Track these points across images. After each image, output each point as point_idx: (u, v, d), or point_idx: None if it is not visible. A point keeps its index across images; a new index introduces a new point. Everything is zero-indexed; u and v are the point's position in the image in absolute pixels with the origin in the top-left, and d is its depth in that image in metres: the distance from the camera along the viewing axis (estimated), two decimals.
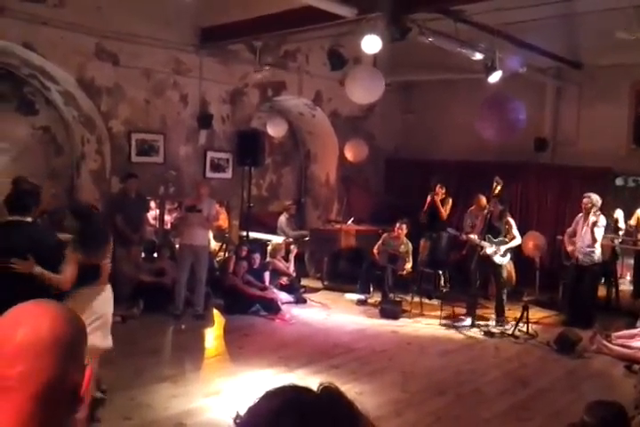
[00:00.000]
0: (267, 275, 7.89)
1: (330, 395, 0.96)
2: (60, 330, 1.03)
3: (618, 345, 6.23)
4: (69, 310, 1.09)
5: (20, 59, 7.01)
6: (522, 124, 7.16)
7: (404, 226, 8.32)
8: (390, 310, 7.56)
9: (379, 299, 8.07)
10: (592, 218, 7.01)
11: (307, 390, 0.97)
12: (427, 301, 8.14)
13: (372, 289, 8.36)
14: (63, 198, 7.97)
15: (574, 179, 8.84)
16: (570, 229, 7.43)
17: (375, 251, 8.37)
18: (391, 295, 8.07)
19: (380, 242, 8.42)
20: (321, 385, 0.97)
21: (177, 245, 7.77)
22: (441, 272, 8.45)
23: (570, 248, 7.34)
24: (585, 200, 7.12)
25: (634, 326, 6.64)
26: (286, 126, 9.75)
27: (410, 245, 8.42)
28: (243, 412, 0.96)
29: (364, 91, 6.84)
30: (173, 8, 7.32)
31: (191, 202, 7.06)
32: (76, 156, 7.96)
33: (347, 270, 9.31)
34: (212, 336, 6.78)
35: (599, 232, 7.06)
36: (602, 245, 7.36)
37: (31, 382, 0.99)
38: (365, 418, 0.96)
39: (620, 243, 8.36)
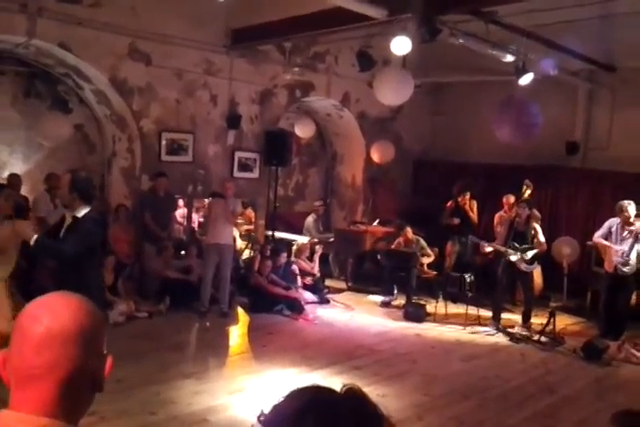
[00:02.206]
0: (295, 269, 7.95)
1: (353, 396, 0.97)
2: (82, 320, 1.07)
3: None
4: (90, 302, 1.13)
5: (56, 58, 7.16)
6: (537, 127, 7.01)
7: (408, 228, 8.37)
8: (414, 313, 7.52)
9: (403, 301, 8.04)
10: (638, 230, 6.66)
11: (330, 391, 0.98)
12: (452, 304, 8.09)
13: (396, 291, 8.33)
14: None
15: (606, 184, 8.67)
16: (601, 233, 6.99)
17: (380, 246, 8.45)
18: (415, 298, 8.04)
19: (393, 246, 8.45)
20: (344, 386, 0.98)
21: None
22: (467, 276, 8.37)
23: (606, 243, 6.85)
24: (624, 208, 6.65)
25: None
26: (314, 127, 9.78)
27: (421, 241, 8.44)
28: (267, 410, 0.97)
29: (393, 92, 6.81)
30: (206, 9, 7.40)
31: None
32: (108, 154, 8.10)
33: (371, 272, 9.29)
34: (237, 334, 6.84)
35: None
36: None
37: (57, 370, 1.03)
38: (388, 420, 0.97)
39: None
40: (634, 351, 6.15)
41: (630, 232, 6.68)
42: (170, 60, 7.68)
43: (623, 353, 6.20)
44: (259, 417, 0.97)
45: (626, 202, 6.73)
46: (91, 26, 6.86)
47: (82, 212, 3.95)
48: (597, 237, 6.96)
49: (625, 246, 6.71)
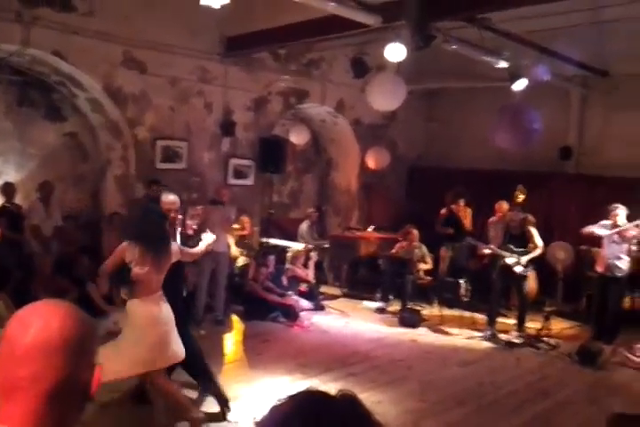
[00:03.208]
0: (284, 279, 7.95)
1: (347, 401, 0.97)
2: (69, 330, 1.05)
3: None
4: (80, 310, 1.11)
5: (50, 67, 7.17)
6: (536, 134, 7.04)
7: (415, 231, 8.31)
8: (410, 319, 7.52)
9: (398, 307, 8.04)
10: (632, 232, 6.73)
11: (324, 394, 0.98)
12: (447, 310, 8.09)
13: (391, 297, 8.33)
14: (88, 203, 8.11)
15: (599, 189, 8.70)
16: (591, 228, 7.08)
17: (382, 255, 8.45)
18: (411, 304, 8.04)
19: (393, 251, 8.42)
20: (339, 391, 0.99)
21: None
22: (462, 281, 8.38)
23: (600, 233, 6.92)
24: (614, 212, 6.78)
25: None
26: (309, 134, 9.80)
27: (424, 247, 8.41)
28: (262, 416, 0.98)
29: (385, 98, 6.84)
30: (200, 17, 7.42)
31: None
32: (102, 162, 8.10)
33: (366, 278, 9.29)
34: (231, 342, 6.82)
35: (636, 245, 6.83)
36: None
37: (41, 382, 1.02)
38: (382, 425, 0.97)
39: None
40: (628, 355, 6.16)
41: (619, 234, 6.74)
42: (164, 67, 7.70)
43: (618, 357, 6.21)
44: (255, 423, 0.98)
45: (614, 205, 6.82)
46: (85, 34, 6.87)
47: None
48: (590, 228, 7.01)
49: (615, 248, 6.79)
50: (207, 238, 4.44)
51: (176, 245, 4.10)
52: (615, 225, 6.77)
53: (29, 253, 6.98)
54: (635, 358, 6.12)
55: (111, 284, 6.90)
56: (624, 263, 6.81)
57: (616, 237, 6.76)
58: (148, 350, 3.80)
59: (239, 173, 8.84)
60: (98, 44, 7.02)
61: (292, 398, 0.98)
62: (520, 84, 7.33)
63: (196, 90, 8.14)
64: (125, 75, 7.43)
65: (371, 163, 9.74)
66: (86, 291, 6.51)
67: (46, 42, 6.67)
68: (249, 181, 8.97)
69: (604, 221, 6.90)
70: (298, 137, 9.59)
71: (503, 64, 7.35)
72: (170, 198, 4.53)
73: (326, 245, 9.34)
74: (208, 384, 4.60)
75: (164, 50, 7.56)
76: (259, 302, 7.43)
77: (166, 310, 3.96)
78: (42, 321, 1.04)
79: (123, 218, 7.60)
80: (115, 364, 3.39)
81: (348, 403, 0.97)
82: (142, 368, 3.84)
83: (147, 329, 3.84)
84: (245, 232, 8.52)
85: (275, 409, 0.97)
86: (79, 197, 8.08)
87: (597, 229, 6.97)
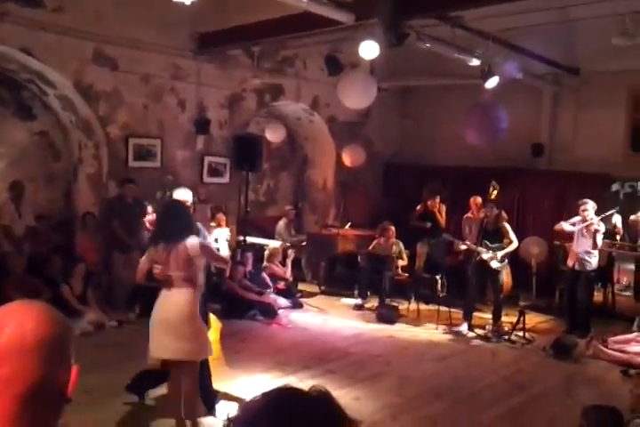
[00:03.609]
0: (266, 277, 7.93)
1: (320, 397, 0.97)
2: (44, 331, 1.03)
3: (614, 350, 6.23)
4: (54, 311, 1.08)
5: (19, 64, 7.03)
6: (503, 131, 7.15)
7: (392, 227, 8.36)
8: (387, 315, 7.56)
9: (376, 304, 8.07)
10: (595, 226, 6.89)
11: (297, 391, 0.98)
12: (424, 306, 8.14)
13: (368, 294, 8.36)
14: (60, 203, 7.98)
15: (571, 184, 8.85)
16: (563, 224, 7.24)
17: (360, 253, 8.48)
18: (388, 300, 8.08)
19: (370, 248, 8.45)
20: (312, 388, 0.99)
21: None
22: (438, 277, 8.44)
23: (566, 226, 7.16)
24: (582, 207, 6.97)
25: (630, 331, 6.64)
26: (284, 131, 9.78)
27: (401, 244, 8.46)
28: (236, 413, 0.97)
29: (356, 96, 6.88)
30: (172, 13, 7.34)
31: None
32: (74, 160, 7.97)
33: (344, 275, 9.31)
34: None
35: (600, 238, 6.98)
36: (599, 251, 7.35)
37: (15, 384, 0.99)
38: (354, 421, 0.97)
39: (618, 248, 8.35)
40: (602, 348, 6.28)
41: (587, 229, 6.88)
42: (136, 64, 7.60)
43: (591, 350, 6.32)
44: (228, 419, 0.97)
45: (583, 201, 6.99)
46: (54, 30, 6.75)
47: None
48: (560, 225, 7.17)
49: (583, 243, 6.93)
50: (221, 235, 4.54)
51: (196, 241, 4.08)
52: (584, 220, 6.91)
53: (1, 253, 6.85)
54: (608, 351, 6.23)
55: (84, 285, 6.86)
56: (593, 258, 6.98)
57: (585, 232, 6.91)
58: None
59: (214, 171, 8.78)
60: (67, 41, 6.90)
61: (264, 395, 0.98)
62: (492, 82, 7.40)
63: (168, 87, 8.06)
64: (96, 72, 7.32)
65: (347, 160, 9.76)
66: (59, 291, 6.41)
67: (14, 38, 6.53)
68: (224, 179, 8.91)
69: (575, 217, 7.06)
70: (273, 135, 9.57)
71: (476, 62, 7.42)
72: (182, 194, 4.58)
73: (303, 243, 9.34)
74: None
75: (136, 46, 7.47)
76: (236, 300, 7.39)
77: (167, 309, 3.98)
78: (15, 322, 1.02)
79: (95, 218, 7.50)
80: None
81: (320, 399, 0.96)
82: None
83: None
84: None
85: (247, 406, 0.97)
86: (51, 197, 7.94)
87: (566, 225, 7.13)
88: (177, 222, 4.01)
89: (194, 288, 4.03)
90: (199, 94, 8.37)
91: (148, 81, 7.82)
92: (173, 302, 4.02)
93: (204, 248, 4.13)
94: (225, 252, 7.61)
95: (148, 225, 8.37)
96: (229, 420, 0.96)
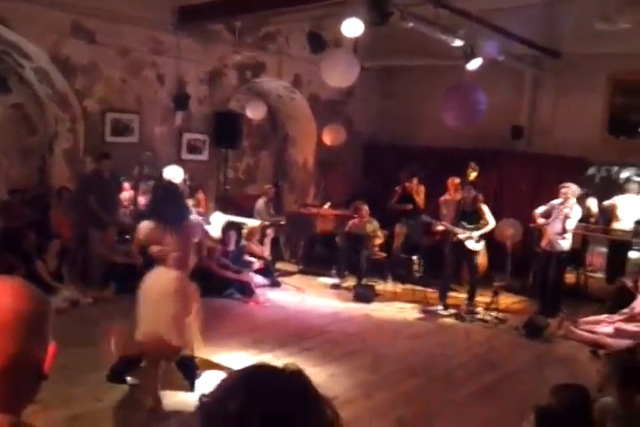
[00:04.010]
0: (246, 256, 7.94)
1: (293, 375, 0.98)
2: (22, 307, 1.02)
3: (584, 331, 6.37)
4: (32, 286, 1.07)
5: None
6: (481, 114, 7.16)
7: (365, 206, 8.40)
8: (364, 294, 7.62)
9: (353, 283, 8.13)
10: (566, 210, 6.99)
11: (271, 368, 0.99)
12: (401, 285, 8.23)
13: (346, 273, 8.41)
14: (35, 178, 7.85)
15: (549, 167, 8.92)
16: (542, 209, 7.36)
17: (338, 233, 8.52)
18: (365, 280, 8.14)
19: (347, 228, 8.48)
20: (286, 365, 1.00)
21: None
22: (415, 258, 8.52)
23: (541, 221, 7.32)
24: (563, 190, 7.04)
25: (600, 313, 6.79)
26: (265, 109, 9.67)
27: (375, 222, 8.50)
28: (210, 390, 0.98)
29: (338, 74, 6.82)
30: None
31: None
32: (50, 134, 7.81)
33: (322, 254, 9.34)
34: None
35: (570, 223, 7.08)
36: (573, 234, 7.46)
37: None
38: (326, 398, 0.98)
39: (591, 231, 8.49)
40: (572, 328, 6.42)
41: (563, 213, 6.99)
42: (114, 38, 7.43)
43: (562, 330, 6.46)
44: (201, 398, 0.98)
45: (565, 184, 7.07)
46: (32, 1, 6.56)
47: None
48: (538, 212, 7.30)
49: (557, 226, 7.05)
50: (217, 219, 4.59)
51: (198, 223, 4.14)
52: (563, 203, 7.00)
53: None
54: (578, 332, 6.37)
55: (59, 261, 6.79)
56: (564, 241, 7.11)
57: (560, 215, 7.01)
58: None
59: (193, 148, 8.68)
60: (45, 12, 6.72)
61: (239, 371, 0.99)
62: (474, 64, 7.38)
63: (148, 61, 7.90)
64: (74, 44, 7.15)
65: (327, 139, 9.71)
66: (33, 267, 6.33)
67: None
68: (203, 157, 8.82)
69: (557, 200, 7.14)
70: (254, 112, 9.46)
71: (459, 43, 7.38)
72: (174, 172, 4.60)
73: (282, 222, 9.32)
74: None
75: (115, 19, 7.29)
76: (213, 278, 7.37)
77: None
78: None
79: (71, 193, 7.39)
80: None
81: (294, 377, 0.97)
82: None
83: None
84: (200, 209, 8.40)
85: (221, 383, 0.98)
86: (25, 171, 7.79)
87: (541, 208, 7.26)
88: (175, 206, 4.05)
89: (185, 269, 4.09)
90: (179, 69, 8.22)
91: (126, 55, 7.65)
92: (165, 281, 4.05)
93: (202, 229, 4.20)
94: (216, 233, 7.59)
95: (124, 201, 8.29)
96: (204, 396, 0.97)
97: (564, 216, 6.98)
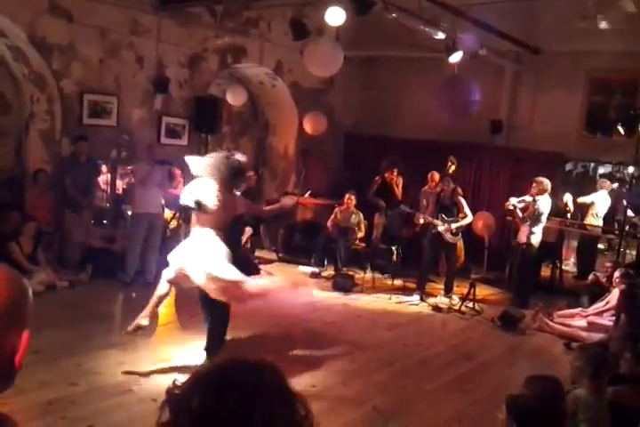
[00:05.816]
0: None
1: (264, 368, 0.98)
2: (1, 294, 0.98)
3: (558, 324, 6.50)
4: (11, 272, 1.03)
5: None
6: (475, 106, 7.21)
7: (353, 197, 8.44)
8: (342, 284, 7.65)
9: (332, 272, 8.14)
10: (536, 205, 7.13)
11: (244, 362, 0.99)
12: (379, 275, 8.27)
13: (326, 263, 8.42)
14: (11, 159, 7.66)
15: (526, 162, 9.01)
16: (521, 205, 7.44)
17: (329, 224, 8.48)
18: (344, 269, 8.16)
19: (332, 216, 8.50)
20: (258, 359, 1.00)
21: (129, 213, 7.59)
22: (394, 248, 8.55)
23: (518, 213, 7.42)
24: (534, 184, 7.19)
25: (575, 306, 6.92)
26: (246, 95, 9.56)
27: (360, 215, 8.55)
28: (183, 380, 0.98)
29: (322, 63, 6.78)
30: None
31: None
32: (25, 115, 7.61)
33: (302, 243, 9.33)
34: (163, 304, 6.67)
35: (539, 218, 7.20)
36: (549, 228, 7.57)
37: None
38: (297, 393, 0.97)
39: (566, 226, 8.63)
40: (547, 321, 6.53)
41: (531, 206, 7.13)
42: (93, 17, 7.25)
43: (537, 323, 6.57)
44: (170, 388, 0.97)
45: (537, 178, 7.22)
46: None
47: None
48: (516, 201, 7.37)
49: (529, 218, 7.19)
50: None
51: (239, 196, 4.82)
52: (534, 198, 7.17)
53: None
54: (552, 324, 6.49)
55: (34, 244, 6.66)
56: (533, 235, 7.23)
57: (531, 209, 7.17)
58: None
59: (172, 133, 8.55)
60: None
61: (212, 363, 1.00)
62: (456, 57, 7.39)
63: (126, 42, 7.73)
64: (51, 23, 6.95)
65: (308, 128, 9.65)
66: (8, 249, 6.20)
67: None
68: (182, 141, 8.69)
69: (527, 197, 7.29)
70: (234, 98, 9.34)
71: (441, 35, 7.38)
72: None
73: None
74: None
75: None
76: None
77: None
78: None
79: (48, 175, 7.24)
80: None
81: (265, 370, 0.97)
82: None
83: None
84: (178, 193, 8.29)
85: (194, 375, 0.98)
86: (0, 153, 7.60)
87: (512, 200, 7.39)
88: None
89: None
90: (159, 52, 8.07)
91: (105, 35, 7.48)
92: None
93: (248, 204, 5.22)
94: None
95: (101, 185, 8.16)
96: (175, 386, 0.96)
97: (535, 210, 7.11)
